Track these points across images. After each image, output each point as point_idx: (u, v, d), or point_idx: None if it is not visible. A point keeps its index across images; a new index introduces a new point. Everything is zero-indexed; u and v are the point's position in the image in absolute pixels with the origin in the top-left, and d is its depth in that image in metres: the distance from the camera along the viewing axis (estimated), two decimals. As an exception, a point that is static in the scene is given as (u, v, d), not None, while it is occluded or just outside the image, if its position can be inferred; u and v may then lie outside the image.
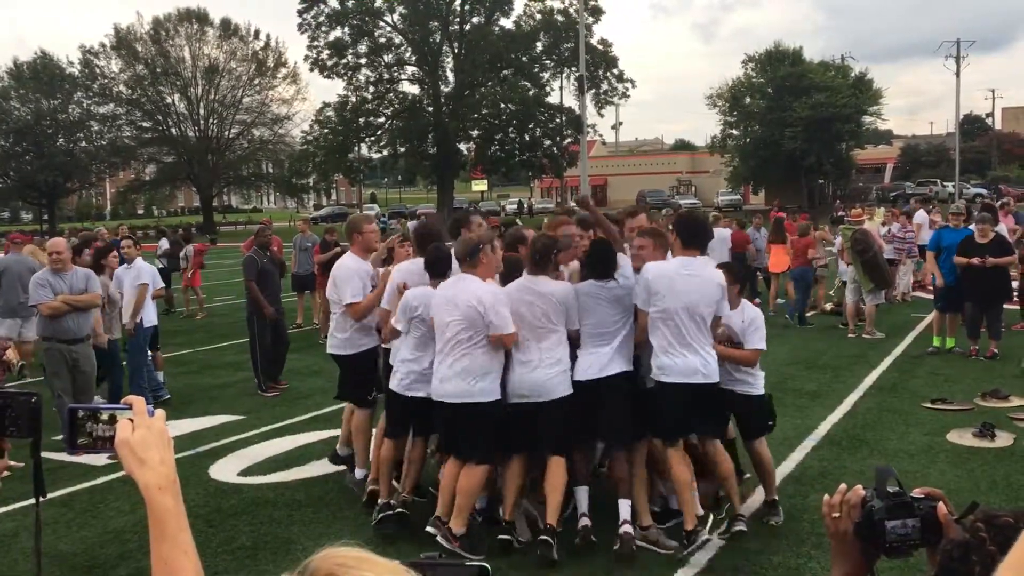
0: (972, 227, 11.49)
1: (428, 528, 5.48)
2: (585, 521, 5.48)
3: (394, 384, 5.92)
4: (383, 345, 6.48)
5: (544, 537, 5.28)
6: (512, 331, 5.37)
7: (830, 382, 10.19)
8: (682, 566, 5.30)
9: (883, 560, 1.62)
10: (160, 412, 1.51)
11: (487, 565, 1.34)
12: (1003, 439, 7.59)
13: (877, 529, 1.54)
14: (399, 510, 5.82)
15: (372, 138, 55.03)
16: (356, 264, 6.72)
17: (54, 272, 7.91)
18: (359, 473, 6.67)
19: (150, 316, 9.87)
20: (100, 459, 7.31)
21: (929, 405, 8.85)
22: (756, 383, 5.98)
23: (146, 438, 1.45)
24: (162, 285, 10.60)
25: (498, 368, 5.51)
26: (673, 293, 5.30)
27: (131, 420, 1.48)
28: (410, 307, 5.80)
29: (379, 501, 5.92)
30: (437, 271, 5.84)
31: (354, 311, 6.53)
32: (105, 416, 1.52)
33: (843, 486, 1.63)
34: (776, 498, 6.01)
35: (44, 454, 6.57)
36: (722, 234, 14.99)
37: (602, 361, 5.48)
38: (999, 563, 1.27)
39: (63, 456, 7.31)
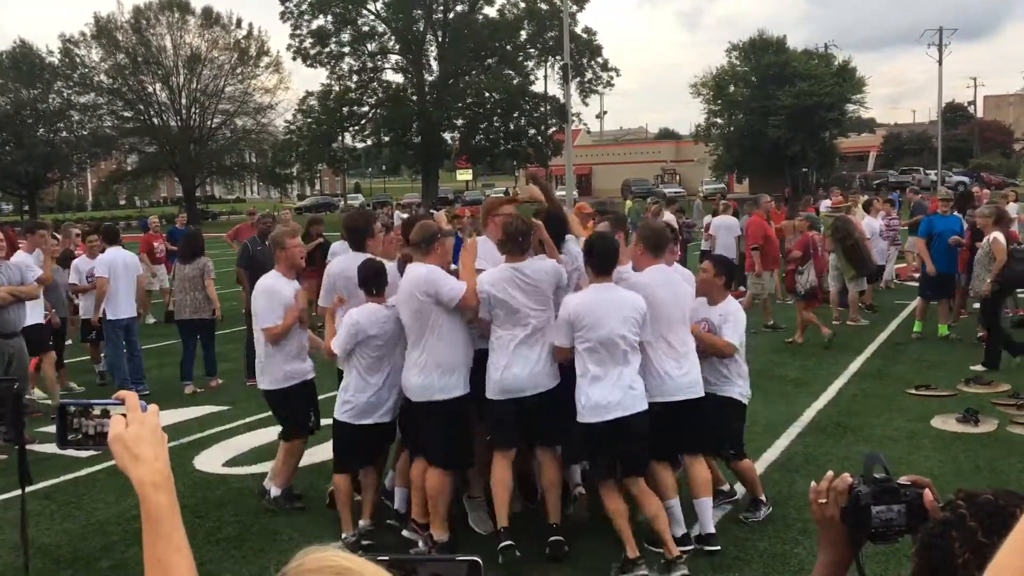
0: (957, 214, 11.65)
1: (405, 533, 5.37)
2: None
3: (339, 414, 5.59)
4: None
5: (555, 537, 5.14)
6: (465, 288, 5.13)
7: (814, 369, 10.23)
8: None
9: (869, 546, 1.63)
10: (153, 407, 1.48)
11: (479, 560, 1.32)
12: (986, 424, 7.64)
13: (863, 514, 1.55)
14: (364, 542, 5.50)
15: (356, 127, 54.79)
16: (275, 285, 6.24)
17: None
18: (275, 491, 6.35)
19: (119, 309, 9.80)
20: (84, 451, 7.25)
21: (913, 391, 8.90)
22: (727, 385, 5.66)
23: (140, 434, 1.43)
24: (141, 273, 10.49)
25: (466, 363, 5.28)
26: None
27: (124, 415, 1.45)
28: (360, 331, 5.41)
29: (342, 535, 5.58)
30: (375, 288, 5.50)
31: (267, 334, 6.16)
32: (97, 411, 1.49)
33: (830, 473, 1.64)
34: (762, 497, 5.77)
35: (28, 447, 6.46)
36: (729, 222, 15.10)
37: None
38: (979, 538, 1.28)
39: (46, 448, 7.27)
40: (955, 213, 11.97)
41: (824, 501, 1.62)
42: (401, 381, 5.39)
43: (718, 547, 5.27)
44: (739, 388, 5.72)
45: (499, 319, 5.20)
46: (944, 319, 11.65)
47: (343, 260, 6.12)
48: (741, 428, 5.87)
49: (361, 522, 5.64)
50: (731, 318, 5.65)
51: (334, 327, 5.62)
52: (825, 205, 17.59)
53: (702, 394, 5.33)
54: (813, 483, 1.66)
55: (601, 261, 5.08)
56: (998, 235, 9.93)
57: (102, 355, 10.69)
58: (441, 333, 5.17)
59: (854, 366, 10.30)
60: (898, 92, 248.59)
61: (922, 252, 11.65)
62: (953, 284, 11.70)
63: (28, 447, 7.15)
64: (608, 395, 4.93)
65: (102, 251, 10.24)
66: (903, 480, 1.58)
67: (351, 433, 5.53)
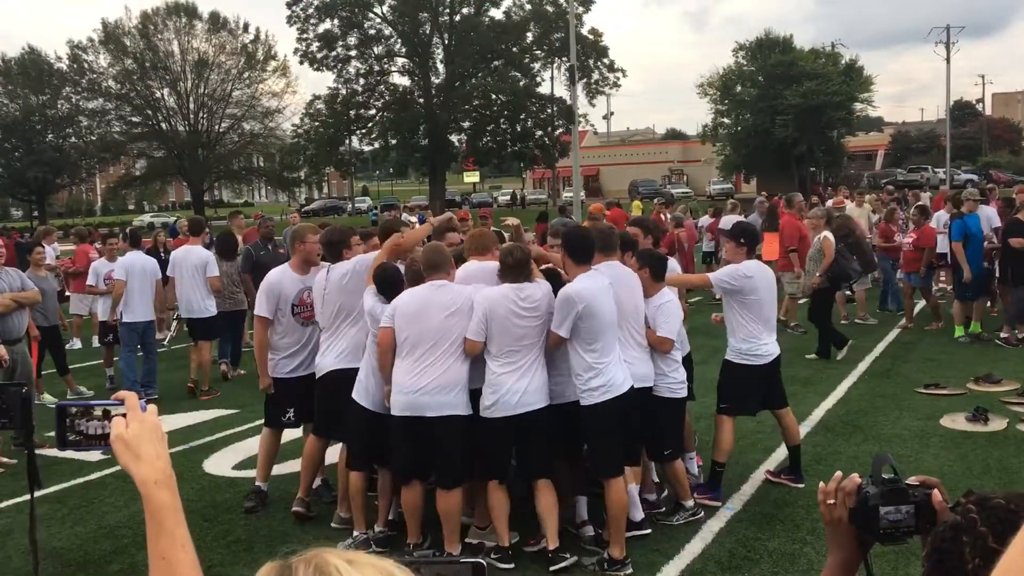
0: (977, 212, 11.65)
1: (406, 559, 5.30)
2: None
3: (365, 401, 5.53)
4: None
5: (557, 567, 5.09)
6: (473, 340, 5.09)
7: (823, 368, 10.21)
8: (677, 553, 5.31)
9: (878, 545, 1.62)
10: (152, 407, 1.50)
11: (483, 562, 1.33)
12: (996, 423, 7.62)
13: (871, 515, 1.55)
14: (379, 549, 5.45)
15: (363, 131, 54.91)
16: (279, 280, 6.30)
17: None
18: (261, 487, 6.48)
19: (135, 312, 9.84)
20: (93, 455, 7.30)
21: (922, 390, 8.88)
22: (663, 382, 5.69)
23: (140, 433, 1.44)
24: (158, 277, 10.46)
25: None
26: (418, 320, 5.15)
27: (124, 416, 1.46)
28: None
29: (354, 533, 5.61)
30: (392, 293, 5.42)
31: (255, 324, 6.39)
32: (98, 412, 1.50)
33: (838, 473, 1.63)
34: (686, 503, 5.84)
35: (38, 451, 6.48)
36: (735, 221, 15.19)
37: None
38: (989, 544, 1.27)
39: (56, 452, 7.29)
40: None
41: (832, 502, 1.61)
42: (399, 399, 5.21)
43: (648, 531, 5.50)
44: (668, 383, 5.71)
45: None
46: (964, 318, 11.48)
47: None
48: (676, 426, 5.86)
49: (376, 527, 5.63)
50: (663, 310, 5.67)
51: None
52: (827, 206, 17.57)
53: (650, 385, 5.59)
54: (821, 484, 1.65)
55: (580, 251, 5.20)
56: (828, 235, 10.93)
57: (115, 359, 10.76)
58: (463, 351, 5.14)
59: (863, 365, 10.27)
60: (906, 90, 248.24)
61: (959, 256, 11.31)
62: (989, 282, 11.53)
63: (39, 451, 7.19)
64: (620, 373, 5.11)
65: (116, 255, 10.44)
66: (912, 480, 1.57)
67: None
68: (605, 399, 5.05)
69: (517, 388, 5.01)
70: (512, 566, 5.14)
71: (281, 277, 6.34)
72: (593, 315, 5.00)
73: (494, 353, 5.07)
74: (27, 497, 6.82)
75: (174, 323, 9.94)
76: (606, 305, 5.09)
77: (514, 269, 5.12)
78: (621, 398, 5.10)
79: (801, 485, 6.25)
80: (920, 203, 14.51)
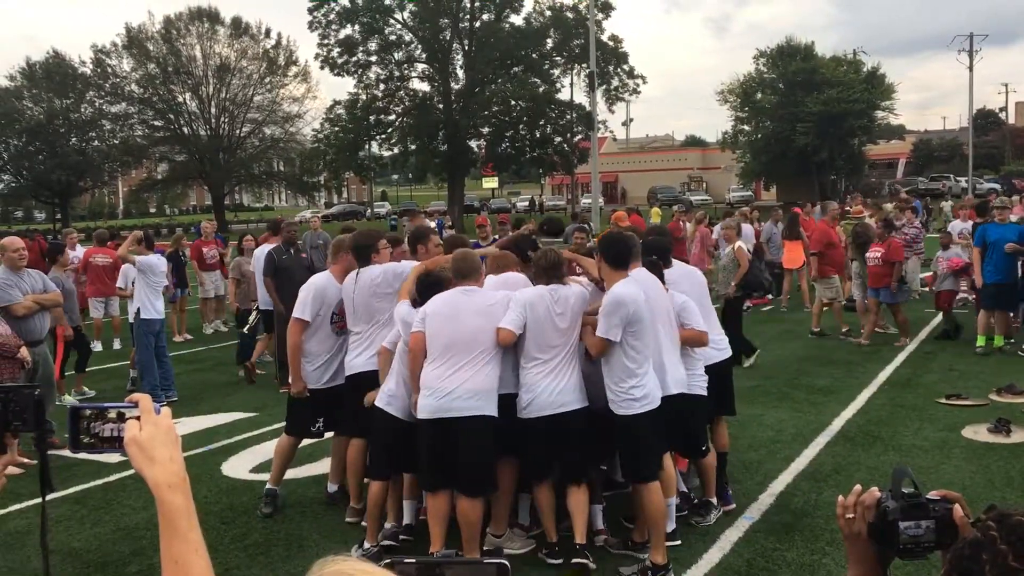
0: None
1: None
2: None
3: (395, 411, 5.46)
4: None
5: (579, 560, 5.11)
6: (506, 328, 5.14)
7: (843, 378, 10.14)
8: (695, 562, 5.29)
9: (898, 561, 1.61)
10: (166, 409, 1.49)
11: (507, 563, 1.32)
12: (1018, 435, 7.53)
13: (891, 530, 1.53)
14: (386, 543, 5.53)
15: (383, 136, 55.04)
16: (327, 284, 6.30)
17: (15, 272, 7.80)
18: (267, 486, 6.48)
19: (153, 311, 9.91)
20: (113, 456, 7.31)
21: (943, 401, 8.80)
22: (695, 381, 5.64)
23: (155, 436, 1.44)
24: (165, 282, 10.64)
25: None
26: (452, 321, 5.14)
27: (138, 418, 1.46)
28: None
29: (365, 544, 5.54)
30: (428, 298, 5.39)
31: (291, 326, 6.32)
32: (112, 414, 1.50)
33: (858, 487, 1.61)
34: (713, 500, 5.94)
35: (59, 452, 6.56)
36: (744, 230, 15.21)
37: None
38: (1010, 563, 1.25)
39: (77, 453, 7.33)
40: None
41: (852, 516, 1.59)
42: (433, 400, 5.13)
43: (678, 542, 5.47)
44: (699, 383, 5.70)
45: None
46: (997, 329, 11.28)
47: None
48: (705, 422, 5.96)
49: (387, 523, 5.64)
50: (685, 308, 5.69)
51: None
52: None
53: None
54: (840, 497, 1.63)
55: (619, 257, 5.15)
56: (741, 244, 11.14)
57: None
58: (499, 353, 5.17)
59: (883, 375, 10.19)
60: (928, 98, 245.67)
61: (975, 262, 11.24)
62: (1015, 294, 11.32)
63: (59, 452, 7.24)
64: (654, 383, 5.09)
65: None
66: (932, 495, 1.55)
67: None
68: (644, 411, 4.99)
69: (551, 388, 5.08)
70: (560, 561, 5.19)
71: (327, 284, 6.30)
72: (640, 319, 4.97)
73: (528, 354, 5.15)
74: (48, 497, 6.89)
75: (255, 314, 11.00)
76: (646, 313, 5.05)
77: (547, 271, 5.25)
78: (658, 409, 5.07)
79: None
80: (886, 217, 14.33)
